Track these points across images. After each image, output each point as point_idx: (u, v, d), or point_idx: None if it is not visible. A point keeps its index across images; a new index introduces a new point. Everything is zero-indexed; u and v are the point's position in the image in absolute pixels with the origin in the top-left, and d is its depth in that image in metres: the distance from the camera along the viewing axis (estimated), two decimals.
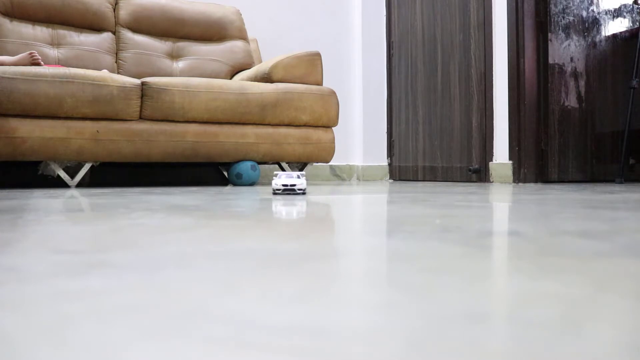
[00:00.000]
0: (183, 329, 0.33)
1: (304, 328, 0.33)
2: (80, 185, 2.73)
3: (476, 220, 0.98)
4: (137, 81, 2.55)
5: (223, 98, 2.65)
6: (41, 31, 2.97)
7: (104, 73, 2.51)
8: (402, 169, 3.81)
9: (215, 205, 1.37)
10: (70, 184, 2.51)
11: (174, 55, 3.25)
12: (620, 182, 2.85)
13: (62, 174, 2.48)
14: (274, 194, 1.86)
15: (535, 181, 3.00)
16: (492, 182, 3.09)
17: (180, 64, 3.23)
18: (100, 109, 2.44)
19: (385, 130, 3.94)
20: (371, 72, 3.90)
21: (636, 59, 2.93)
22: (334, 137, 2.93)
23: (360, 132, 3.90)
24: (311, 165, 3.01)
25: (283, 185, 1.85)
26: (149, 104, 2.54)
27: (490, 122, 3.12)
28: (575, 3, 3.10)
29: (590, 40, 3.15)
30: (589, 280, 0.47)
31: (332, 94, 2.88)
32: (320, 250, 0.64)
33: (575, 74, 3.10)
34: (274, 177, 1.90)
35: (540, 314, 0.36)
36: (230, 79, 3.28)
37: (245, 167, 2.69)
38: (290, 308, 0.38)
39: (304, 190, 1.88)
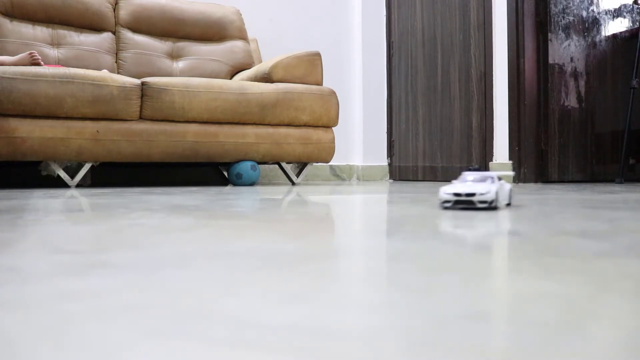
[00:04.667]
0: (183, 329, 0.33)
1: (304, 328, 0.33)
2: (80, 185, 2.73)
3: (477, 220, 0.98)
4: (137, 81, 2.55)
5: (223, 98, 2.65)
6: (41, 31, 2.97)
7: (104, 73, 2.50)
8: (402, 169, 3.81)
9: (215, 205, 1.36)
10: (70, 184, 2.51)
11: (174, 55, 3.25)
12: (620, 182, 2.85)
13: (62, 174, 2.48)
14: (444, 208, 1.24)
15: (535, 181, 3.00)
16: None
17: (180, 64, 3.23)
18: (100, 109, 2.44)
19: (385, 130, 3.93)
20: (371, 72, 3.90)
21: (636, 59, 2.93)
22: (334, 137, 2.93)
23: (360, 132, 3.90)
24: (311, 165, 3.01)
25: (455, 194, 1.20)
26: (149, 104, 2.54)
27: (490, 122, 3.12)
28: (575, 3, 3.10)
29: (590, 40, 3.15)
30: (589, 281, 0.47)
31: (332, 94, 2.88)
32: (320, 250, 0.64)
33: (575, 74, 3.10)
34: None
35: (540, 314, 0.36)
36: (230, 79, 3.28)
37: (245, 167, 2.69)
38: (291, 308, 0.38)
39: (494, 202, 1.18)
